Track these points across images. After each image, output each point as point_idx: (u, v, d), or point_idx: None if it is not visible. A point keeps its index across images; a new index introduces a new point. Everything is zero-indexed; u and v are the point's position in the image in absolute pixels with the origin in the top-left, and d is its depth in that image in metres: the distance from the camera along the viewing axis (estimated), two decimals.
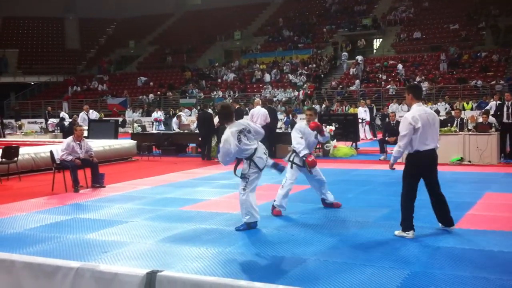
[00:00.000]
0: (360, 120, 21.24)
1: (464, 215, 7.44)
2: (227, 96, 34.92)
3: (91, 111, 28.24)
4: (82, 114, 19.42)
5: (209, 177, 12.24)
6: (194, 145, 17.99)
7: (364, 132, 21.93)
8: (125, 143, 16.65)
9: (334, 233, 6.75)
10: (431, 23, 38.26)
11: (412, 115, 6.35)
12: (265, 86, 35.41)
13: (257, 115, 15.20)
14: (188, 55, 44.74)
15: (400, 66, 33.25)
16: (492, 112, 14.89)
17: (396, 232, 6.56)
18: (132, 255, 5.96)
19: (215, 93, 36.08)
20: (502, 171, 12.02)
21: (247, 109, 28.09)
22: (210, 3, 50.05)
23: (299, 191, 9.83)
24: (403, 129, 6.33)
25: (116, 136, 18.19)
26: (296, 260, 5.60)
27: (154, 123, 24.92)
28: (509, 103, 14.01)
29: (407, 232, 6.44)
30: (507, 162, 13.41)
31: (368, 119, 22.46)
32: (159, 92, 38.51)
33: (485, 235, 6.50)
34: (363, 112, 22.13)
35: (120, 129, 19.87)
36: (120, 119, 28.90)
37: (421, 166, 6.51)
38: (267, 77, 36.82)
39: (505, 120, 13.87)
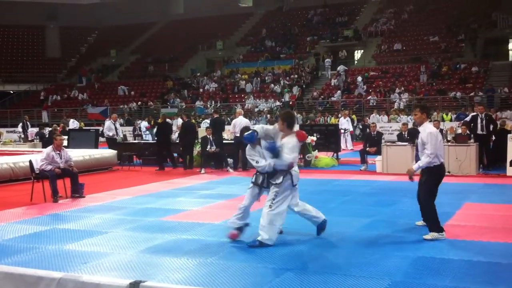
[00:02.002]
0: (343, 131, 21.38)
1: (443, 225, 7.50)
2: (209, 105, 34.89)
3: (71, 120, 27.80)
4: (109, 123, 18.10)
5: (190, 187, 12.20)
6: (175, 155, 17.90)
7: (346, 142, 22.04)
8: (106, 152, 16.53)
9: (314, 243, 6.76)
10: (412, 35, 38.73)
11: (435, 130, 7.09)
12: (247, 96, 35.49)
13: (239, 125, 15.20)
14: (170, 64, 44.66)
15: (359, 78, 33.74)
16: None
17: (428, 236, 6.83)
18: (112, 266, 5.90)
19: (197, 102, 36.06)
20: (480, 182, 12.18)
21: (228, 119, 28.13)
22: (192, 12, 50.04)
23: None
24: (432, 142, 6.80)
25: (96, 146, 18.03)
26: (277, 271, 5.60)
27: (144, 132, 24.73)
28: (482, 115, 14.19)
29: (441, 233, 6.86)
30: (486, 173, 13.58)
31: (351, 129, 22.64)
32: (140, 102, 38.34)
33: (464, 245, 6.57)
34: (345, 122, 22.26)
35: (100, 139, 19.52)
36: (101, 128, 28.64)
37: (443, 176, 7.10)
38: (249, 87, 36.92)
39: (479, 131, 14.05)
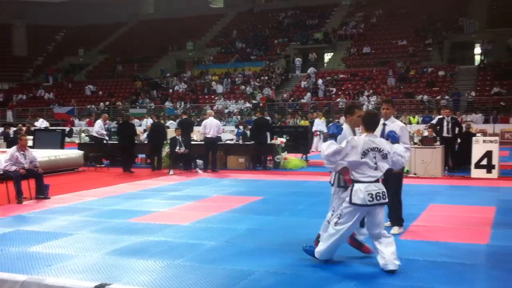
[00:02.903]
0: (318, 132, 21.42)
1: (408, 226, 7.61)
2: (178, 106, 34.70)
3: (40, 120, 27.25)
4: (100, 122, 17.27)
5: (158, 188, 12.10)
6: (143, 155, 17.75)
7: (319, 144, 21.99)
8: (72, 153, 16.29)
9: (284, 245, 6.75)
10: (380, 38, 39.22)
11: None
12: (217, 97, 35.43)
13: (210, 126, 15.16)
14: (139, 64, 44.27)
15: (320, 81, 34.37)
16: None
17: (395, 231, 7.15)
18: (77, 268, 5.80)
19: (167, 103, 35.82)
20: (446, 184, 12.38)
21: (197, 119, 28.02)
22: (163, 13, 49.72)
23: (248, 203, 9.86)
24: (407, 135, 7.19)
25: (62, 146, 17.73)
26: (245, 273, 5.58)
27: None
28: (449, 118, 14.44)
29: (401, 227, 7.35)
30: (451, 175, 13.82)
31: (325, 130, 22.61)
32: (107, 102, 37.87)
33: (429, 246, 6.65)
34: (320, 124, 22.25)
35: (67, 139, 19.16)
36: (67, 128, 28.22)
37: None
38: (219, 88, 36.87)
39: (445, 134, 14.29)
